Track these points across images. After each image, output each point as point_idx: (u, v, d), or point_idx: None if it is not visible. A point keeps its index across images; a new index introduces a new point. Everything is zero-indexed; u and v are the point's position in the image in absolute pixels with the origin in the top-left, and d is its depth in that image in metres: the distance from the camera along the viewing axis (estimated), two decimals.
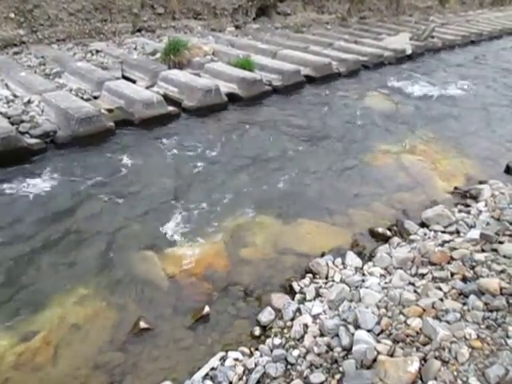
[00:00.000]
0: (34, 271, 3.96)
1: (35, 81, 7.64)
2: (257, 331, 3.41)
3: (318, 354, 2.93)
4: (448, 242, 4.05)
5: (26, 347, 3.24)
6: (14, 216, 4.68)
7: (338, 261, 4.12)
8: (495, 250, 3.52)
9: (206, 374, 2.99)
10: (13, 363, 3.11)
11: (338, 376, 2.72)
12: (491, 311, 2.80)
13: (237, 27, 13.46)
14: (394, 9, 17.80)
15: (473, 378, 2.32)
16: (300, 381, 2.76)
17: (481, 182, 5.66)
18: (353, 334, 2.90)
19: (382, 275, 3.80)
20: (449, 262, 3.56)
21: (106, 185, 5.36)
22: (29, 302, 3.62)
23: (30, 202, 4.94)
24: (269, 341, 3.23)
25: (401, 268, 3.77)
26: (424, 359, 2.52)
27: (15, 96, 7.03)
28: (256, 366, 2.99)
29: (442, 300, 3.05)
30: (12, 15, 9.52)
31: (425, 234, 4.47)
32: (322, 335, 3.10)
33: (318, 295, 3.67)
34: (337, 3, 15.82)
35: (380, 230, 4.68)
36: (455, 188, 5.65)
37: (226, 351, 3.19)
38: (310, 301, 3.61)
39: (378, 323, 2.97)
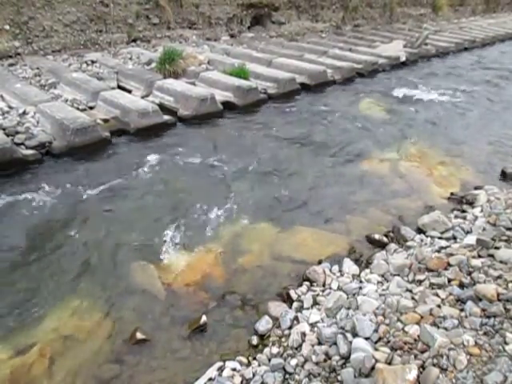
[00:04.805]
0: (29, 283, 3.93)
1: (30, 92, 7.64)
2: (254, 340, 3.38)
3: (316, 363, 2.91)
4: (445, 247, 4.05)
5: (22, 360, 3.20)
6: (9, 227, 4.66)
7: (335, 268, 4.11)
8: (492, 256, 3.53)
9: None
10: (8, 376, 3.07)
11: None
12: (488, 317, 2.80)
13: (232, 36, 13.54)
14: (387, 17, 17.96)
15: None
16: None
17: (476, 188, 5.68)
18: (351, 342, 2.89)
19: (379, 282, 3.79)
20: (446, 268, 3.56)
21: (101, 195, 5.35)
22: (24, 314, 3.59)
23: (25, 212, 4.91)
24: (266, 350, 3.21)
25: (398, 275, 3.77)
26: (422, 367, 2.50)
27: (10, 107, 7.02)
28: (254, 375, 2.97)
29: (439, 306, 3.05)
30: (7, 27, 9.54)
31: (421, 240, 4.47)
32: (319, 344, 3.08)
33: (315, 303, 3.65)
34: (331, 12, 15.96)
35: (377, 236, 4.68)
36: (451, 194, 5.66)
37: (224, 361, 3.16)
38: (308, 309, 3.59)
39: (376, 331, 2.95)
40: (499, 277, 3.17)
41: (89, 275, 4.07)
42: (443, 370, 2.43)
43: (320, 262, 4.23)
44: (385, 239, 4.64)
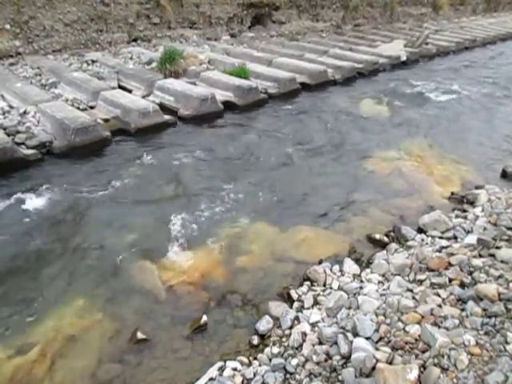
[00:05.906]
0: (30, 283, 3.93)
1: (31, 91, 7.65)
2: (255, 340, 3.38)
3: (317, 363, 2.91)
4: (445, 247, 4.05)
5: (23, 360, 3.20)
6: (10, 227, 4.66)
7: (336, 268, 4.11)
8: (492, 256, 3.53)
9: None
10: (9, 376, 3.07)
11: None
12: (489, 317, 2.80)
13: (232, 36, 13.53)
14: (388, 16, 17.95)
15: None
16: None
17: (477, 187, 5.67)
18: (351, 342, 2.89)
19: (379, 282, 3.79)
20: (446, 268, 3.55)
21: (102, 195, 5.34)
22: (25, 314, 3.59)
23: (26, 212, 4.91)
24: (267, 350, 3.21)
25: (399, 274, 3.76)
26: (423, 366, 2.51)
27: (11, 107, 7.03)
28: (255, 375, 2.97)
29: (440, 306, 3.05)
30: (8, 26, 9.55)
31: (422, 240, 4.46)
32: (320, 343, 3.08)
33: (316, 303, 3.65)
34: (331, 11, 15.94)
35: (377, 236, 4.67)
36: (452, 193, 5.65)
37: (225, 361, 3.16)
38: (308, 309, 3.59)
39: (377, 330, 2.95)
40: (500, 276, 3.17)
41: (89, 275, 4.06)
42: (444, 369, 2.43)
43: (321, 262, 4.23)
44: (385, 239, 4.64)
